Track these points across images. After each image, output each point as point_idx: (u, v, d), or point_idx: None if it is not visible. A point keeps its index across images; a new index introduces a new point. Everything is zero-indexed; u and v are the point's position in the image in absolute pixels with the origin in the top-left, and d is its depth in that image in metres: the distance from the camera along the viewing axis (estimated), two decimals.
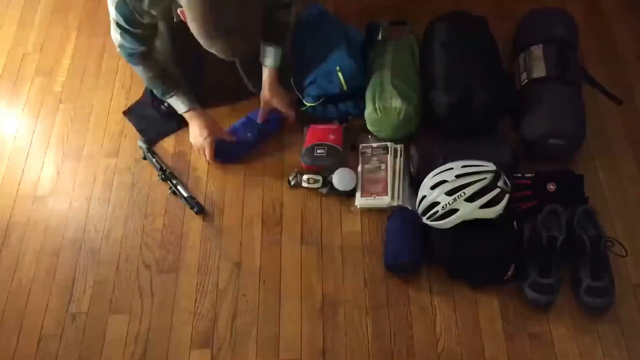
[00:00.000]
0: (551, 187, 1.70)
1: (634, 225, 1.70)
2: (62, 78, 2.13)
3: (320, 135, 1.87)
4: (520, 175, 1.73)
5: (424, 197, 1.64)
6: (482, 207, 1.57)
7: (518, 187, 1.71)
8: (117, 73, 2.12)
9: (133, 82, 2.08)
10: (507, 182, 1.62)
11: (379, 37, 1.95)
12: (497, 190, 1.57)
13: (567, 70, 1.78)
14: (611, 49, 2.06)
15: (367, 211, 1.77)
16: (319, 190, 1.81)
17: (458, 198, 1.57)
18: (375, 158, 1.83)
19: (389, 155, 1.82)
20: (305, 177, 1.82)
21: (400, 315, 1.60)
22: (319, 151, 1.83)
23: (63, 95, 2.09)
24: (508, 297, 1.60)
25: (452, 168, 1.62)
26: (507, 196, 1.60)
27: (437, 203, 1.60)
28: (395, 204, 1.74)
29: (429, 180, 1.64)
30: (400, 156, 1.82)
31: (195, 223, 1.79)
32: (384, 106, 1.77)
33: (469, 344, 1.55)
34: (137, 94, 2.05)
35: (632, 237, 1.67)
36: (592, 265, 1.56)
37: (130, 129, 1.98)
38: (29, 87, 2.12)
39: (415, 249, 1.62)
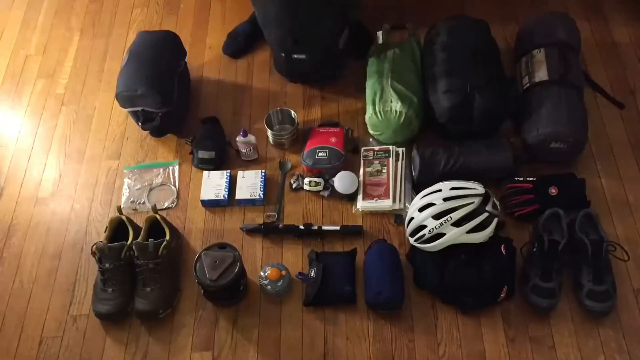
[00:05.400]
0: (553, 191, 1.70)
1: (636, 229, 1.70)
2: (65, 80, 2.14)
3: (322, 138, 1.87)
4: (522, 179, 1.73)
5: (412, 219, 1.63)
6: (470, 231, 1.56)
7: (520, 191, 1.71)
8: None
9: None
10: (497, 204, 1.61)
11: (380, 40, 1.96)
12: (484, 215, 1.56)
13: (569, 74, 1.78)
14: (613, 53, 2.06)
15: (369, 214, 1.77)
16: (321, 193, 1.81)
17: (445, 222, 1.56)
18: (376, 161, 1.83)
19: (390, 159, 1.82)
20: (306, 179, 1.82)
21: (402, 319, 1.60)
22: (320, 154, 1.83)
23: (65, 97, 2.10)
24: (509, 300, 1.60)
25: (440, 190, 1.60)
26: (495, 220, 1.58)
27: (424, 226, 1.59)
28: (397, 207, 1.74)
29: (417, 201, 1.63)
30: (402, 159, 1.82)
31: (196, 225, 1.79)
32: (384, 109, 1.77)
33: (471, 347, 1.55)
34: None
35: (634, 241, 1.68)
36: (593, 269, 1.56)
37: (133, 132, 1.98)
38: (32, 89, 2.13)
39: (395, 286, 1.57)
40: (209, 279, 1.52)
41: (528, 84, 1.82)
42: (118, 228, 1.69)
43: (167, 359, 1.58)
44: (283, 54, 1.86)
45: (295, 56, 1.82)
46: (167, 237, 1.65)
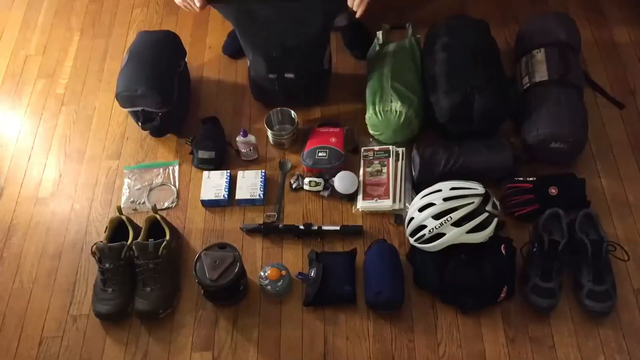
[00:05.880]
0: (553, 191, 1.70)
1: (636, 229, 1.70)
2: (65, 80, 2.14)
3: (322, 138, 1.87)
4: (522, 179, 1.73)
5: (412, 218, 1.63)
6: (470, 231, 1.56)
7: (520, 191, 1.71)
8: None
9: None
10: (497, 204, 1.61)
11: (380, 40, 1.96)
12: (484, 215, 1.56)
13: (568, 74, 1.78)
14: (613, 53, 2.06)
15: (369, 214, 1.77)
16: (321, 193, 1.81)
17: (445, 222, 1.56)
18: (376, 161, 1.83)
19: (390, 159, 1.82)
20: (306, 179, 1.82)
21: (402, 319, 1.60)
22: (320, 154, 1.83)
23: (65, 97, 2.10)
24: (509, 300, 1.60)
25: (440, 190, 1.60)
26: (495, 220, 1.58)
27: (424, 226, 1.59)
28: (397, 207, 1.74)
29: (417, 201, 1.63)
30: (402, 159, 1.82)
31: (196, 225, 1.79)
32: (384, 109, 1.77)
33: (471, 347, 1.55)
34: None
35: (634, 241, 1.68)
36: (593, 269, 1.56)
37: (133, 132, 1.98)
38: (32, 89, 2.13)
39: (395, 286, 1.57)
40: (209, 279, 1.52)
41: (528, 84, 1.82)
42: (118, 228, 1.69)
43: (167, 359, 1.58)
44: (273, 75, 1.83)
45: (286, 75, 1.82)
46: (167, 237, 1.65)
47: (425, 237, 1.60)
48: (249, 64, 1.90)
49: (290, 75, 1.82)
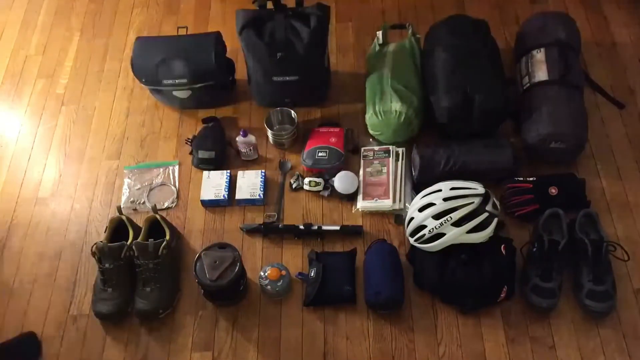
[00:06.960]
0: (553, 191, 1.70)
1: (636, 229, 1.70)
2: (65, 80, 2.14)
3: (322, 138, 1.87)
4: (522, 179, 1.73)
5: (412, 218, 1.63)
6: (470, 231, 1.56)
7: (520, 191, 1.71)
8: (119, 75, 2.12)
9: (135, 84, 2.08)
10: (497, 204, 1.61)
11: (380, 40, 1.96)
12: (484, 215, 1.56)
13: (568, 74, 1.78)
14: (613, 53, 2.06)
15: (369, 214, 1.77)
16: (321, 193, 1.81)
17: (445, 222, 1.56)
18: (376, 161, 1.83)
19: (390, 159, 1.82)
20: (306, 179, 1.82)
21: (402, 319, 1.60)
22: (320, 154, 1.83)
23: (65, 97, 2.10)
24: (509, 300, 1.60)
25: (440, 190, 1.60)
26: (495, 220, 1.58)
27: (424, 226, 1.59)
28: (397, 207, 1.74)
29: (417, 201, 1.63)
30: (402, 159, 1.82)
31: (196, 225, 1.79)
32: (384, 109, 1.77)
33: (471, 347, 1.55)
34: (138, 96, 2.06)
35: (634, 241, 1.68)
36: (593, 270, 1.56)
37: (133, 132, 1.98)
38: (32, 89, 2.13)
39: (395, 286, 1.58)
40: (209, 279, 1.52)
41: (528, 84, 1.82)
42: (118, 228, 1.69)
43: (167, 359, 1.58)
44: (277, 78, 1.84)
45: (288, 78, 1.82)
46: (167, 237, 1.65)
47: (425, 237, 1.60)
48: (250, 70, 1.90)
49: (293, 78, 1.83)
